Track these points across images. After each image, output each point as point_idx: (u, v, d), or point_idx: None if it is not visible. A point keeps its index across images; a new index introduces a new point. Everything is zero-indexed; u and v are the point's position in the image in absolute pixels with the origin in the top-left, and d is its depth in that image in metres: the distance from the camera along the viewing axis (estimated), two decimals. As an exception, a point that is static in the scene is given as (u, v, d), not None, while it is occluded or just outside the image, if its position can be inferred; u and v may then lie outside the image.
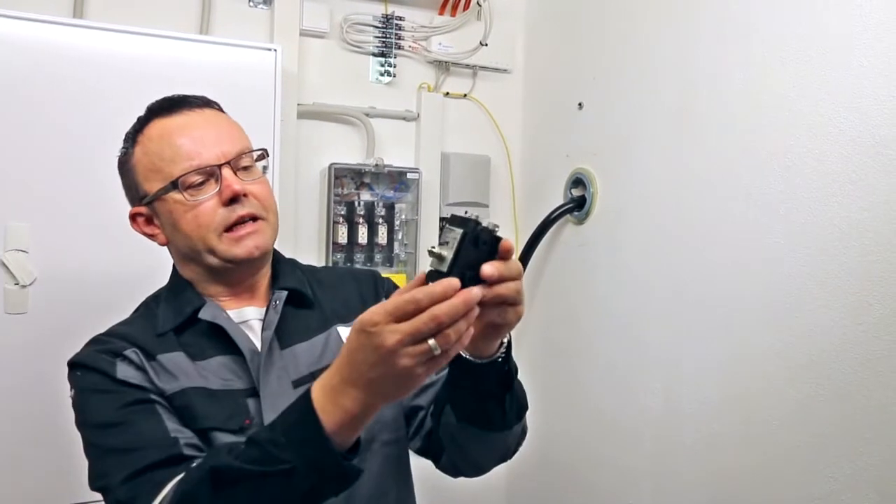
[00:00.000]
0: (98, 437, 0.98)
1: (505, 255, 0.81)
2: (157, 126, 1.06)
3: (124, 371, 1.00)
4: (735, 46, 1.60)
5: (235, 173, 1.04)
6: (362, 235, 2.12)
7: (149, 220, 1.09)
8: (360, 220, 2.13)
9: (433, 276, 0.79)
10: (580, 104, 2.11)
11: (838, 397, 1.37)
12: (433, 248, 0.81)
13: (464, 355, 0.93)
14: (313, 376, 1.05)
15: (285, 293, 1.11)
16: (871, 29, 1.33)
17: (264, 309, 1.10)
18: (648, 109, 1.85)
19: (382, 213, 2.16)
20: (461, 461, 1.11)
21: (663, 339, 1.78)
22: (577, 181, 2.09)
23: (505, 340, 0.93)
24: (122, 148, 1.10)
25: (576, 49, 2.15)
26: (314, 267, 1.25)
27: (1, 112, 1.59)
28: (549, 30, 2.29)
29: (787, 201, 1.47)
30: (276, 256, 1.16)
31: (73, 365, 1.04)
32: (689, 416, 1.70)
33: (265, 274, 1.13)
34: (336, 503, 1.02)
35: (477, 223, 0.80)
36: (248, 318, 1.09)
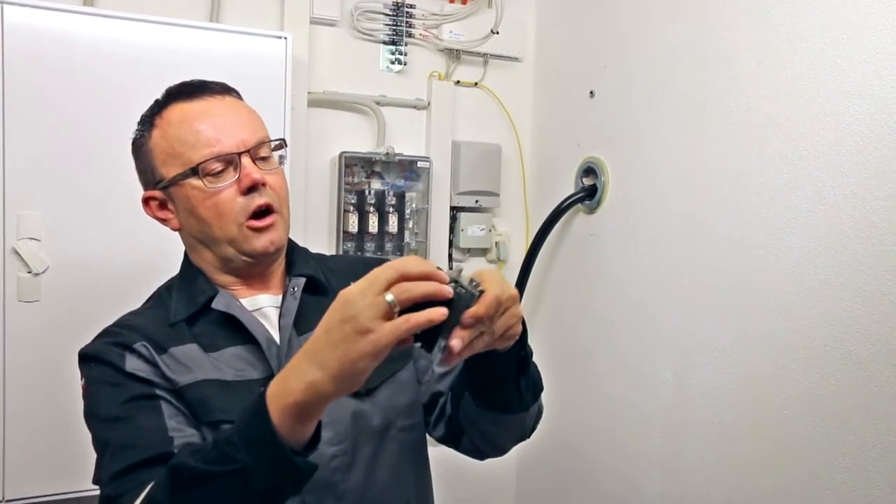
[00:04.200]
0: (101, 430, 0.97)
1: (464, 323, 0.79)
2: (177, 110, 1.04)
3: (133, 364, 0.99)
4: (748, 33, 1.58)
5: (254, 162, 1.04)
6: (373, 224, 2.12)
7: (162, 205, 1.08)
8: (371, 208, 2.13)
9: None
10: (591, 92, 2.09)
11: (850, 387, 1.36)
12: None
13: None
14: None
15: (303, 280, 1.11)
16: (888, 15, 1.31)
17: (279, 296, 1.10)
18: (660, 98, 1.84)
19: (393, 201, 2.16)
20: (482, 443, 1.12)
21: (674, 328, 1.77)
22: (589, 170, 2.08)
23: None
24: (138, 130, 1.09)
25: (587, 37, 2.14)
26: (324, 255, 1.25)
27: (12, 101, 1.59)
28: (561, 17, 2.27)
29: (801, 190, 1.46)
30: (290, 245, 1.17)
31: (84, 356, 1.03)
32: (700, 403, 1.69)
33: (279, 264, 1.14)
34: (353, 488, 1.04)
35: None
36: (262, 305, 1.09)
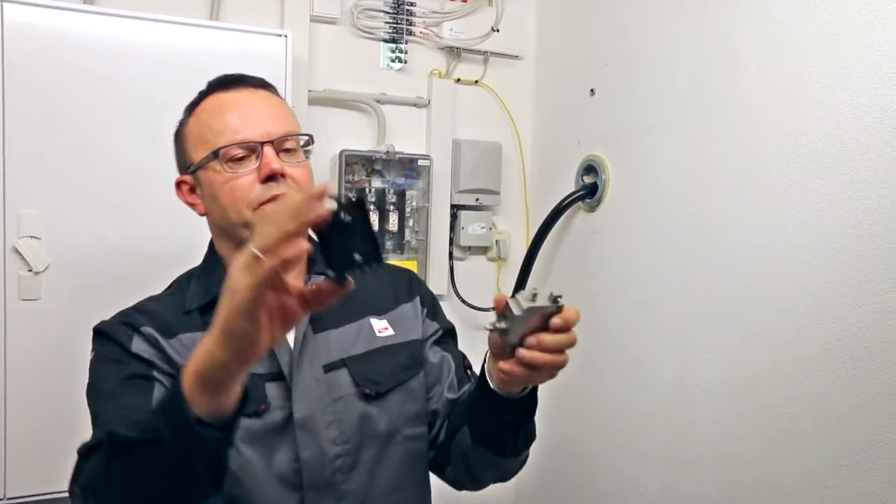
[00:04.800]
0: (95, 403, 1.00)
1: (554, 327, 0.84)
2: (213, 99, 1.10)
3: (138, 345, 1.03)
4: (749, 31, 1.58)
5: (278, 154, 1.06)
6: (373, 223, 2.12)
7: (192, 190, 1.11)
8: (371, 207, 2.12)
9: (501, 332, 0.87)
10: (592, 90, 2.09)
11: (851, 385, 1.36)
12: (491, 327, 0.88)
13: (493, 387, 0.96)
14: (344, 362, 1.08)
15: (321, 278, 1.11)
16: (890, 13, 1.31)
17: None
18: (661, 96, 1.83)
19: (393, 200, 2.16)
20: (464, 477, 1.15)
21: (675, 326, 1.77)
22: (589, 168, 2.07)
23: None
24: (181, 119, 1.13)
25: (588, 35, 2.13)
26: None
27: (13, 99, 1.59)
28: (561, 15, 2.27)
29: (801, 187, 1.46)
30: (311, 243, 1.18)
31: (97, 332, 1.07)
32: (700, 402, 1.69)
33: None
34: (354, 490, 1.05)
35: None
36: None
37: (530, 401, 0.99)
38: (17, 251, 1.61)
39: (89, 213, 1.66)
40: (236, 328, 0.71)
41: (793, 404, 1.47)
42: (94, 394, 1.01)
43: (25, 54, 1.60)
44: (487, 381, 0.97)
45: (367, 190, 2.13)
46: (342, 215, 0.73)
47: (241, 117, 1.06)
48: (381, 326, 1.15)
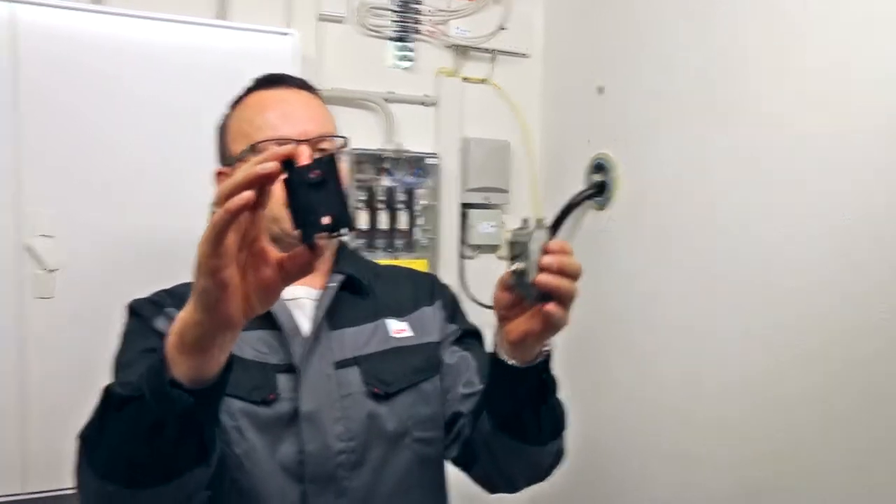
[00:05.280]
0: (114, 373, 1.03)
1: (554, 249, 0.87)
2: (256, 96, 1.14)
3: (161, 324, 1.06)
4: (758, 29, 1.58)
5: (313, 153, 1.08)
6: (382, 221, 2.12)
7: None
8: (381, 205, 2.13)
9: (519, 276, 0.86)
10: (600, 88, 2.09)
11: (859, 380, 1.36)
12: (513, 268, 0.87)
13: (502, 358, 0.95)
14: (356, 360, 1.09)
15: (342, 276, 1.15)
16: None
17: (318, 290, 1.13)
18: (670, 93, 1.83)
19: (403, 198, 2.16)
20: (493, 472, 1.12)
21: (684, 324, 1.77)
22: (598, 166, 2.07)
23: (545, 350, 0.96)
24: (224, 113, 1.18)
25: (596, 32, 2.13)
26: (375, 262, 1.30)
27: (24, 99, 1.60)
28: (569, 13, 2.27)
29: (810, 185, 1.45)
30: (341, 244, 1.21)
31: (129, 308, 1.13)
32: (709, 399, 1.69)
33: (326, 259, 1.17)
34: (357, 488, 1.05)
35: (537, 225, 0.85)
36: (299, 295, 1.12)
37: (543, 371, 0.96)
38: (31, 250, 1.62)
39: (102, 212, 1.67)
40: (198, 284, 0.72)
41: (801, 401, 1.46)
42: (115, 364, 1.05)
43: (36, 54, 1.61)
44: (499, 358, 0.96)
45: (376, 188, 2.13)
46: (309, 172, 0.71)
47: (281, 115, 1.10)
48: (398, 328, 1.16)
